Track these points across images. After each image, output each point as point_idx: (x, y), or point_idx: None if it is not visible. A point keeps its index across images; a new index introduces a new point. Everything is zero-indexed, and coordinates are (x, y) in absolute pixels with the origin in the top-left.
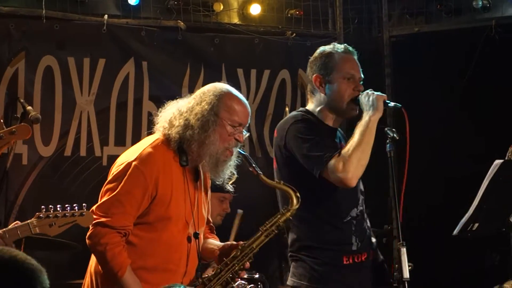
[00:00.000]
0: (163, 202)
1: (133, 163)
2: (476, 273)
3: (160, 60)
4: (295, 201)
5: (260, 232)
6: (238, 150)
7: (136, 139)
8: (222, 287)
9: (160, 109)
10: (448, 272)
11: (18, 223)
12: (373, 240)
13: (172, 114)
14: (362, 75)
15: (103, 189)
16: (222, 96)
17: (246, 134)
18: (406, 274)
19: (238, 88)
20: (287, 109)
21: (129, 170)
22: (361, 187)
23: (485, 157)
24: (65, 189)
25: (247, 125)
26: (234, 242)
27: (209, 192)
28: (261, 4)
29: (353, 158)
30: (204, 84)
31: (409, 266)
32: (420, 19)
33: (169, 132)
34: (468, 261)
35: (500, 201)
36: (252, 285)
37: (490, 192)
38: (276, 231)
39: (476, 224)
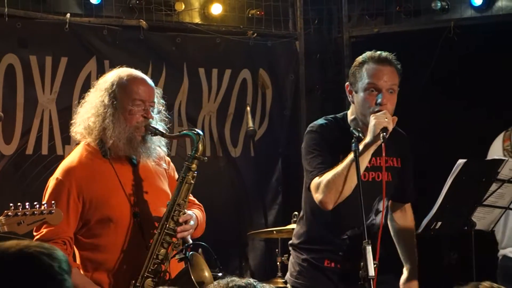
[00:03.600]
0: (102, 202)
1: (54, 177)
2: (435, 272)
3: (122, 59)
4: (195, 140)
5: (179, 182)
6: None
7: None
8: (166, 248)
9: (73, 112)
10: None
11: None
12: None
13: (79, 114)
14: (395, 82)
15: None
16: (118, 79)
17: (154, 109)
18: (372, 272)
19: (199, 87)
20: (248, 108)
21: (51, 184)
22: (378, 206)
23: (444, 157)
24: (26, 187)
25: (155, 99)
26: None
27: (171, 166)
28: (222, 4)
29: (330, 184)
30: (166, 84)
31: (374, 264)
32: (380, 20)
33: (84, 132)
34: (428, 259)
35: (463, 200)
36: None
37: (453, 191)
38: (194, 175)
39: (439, 223)
